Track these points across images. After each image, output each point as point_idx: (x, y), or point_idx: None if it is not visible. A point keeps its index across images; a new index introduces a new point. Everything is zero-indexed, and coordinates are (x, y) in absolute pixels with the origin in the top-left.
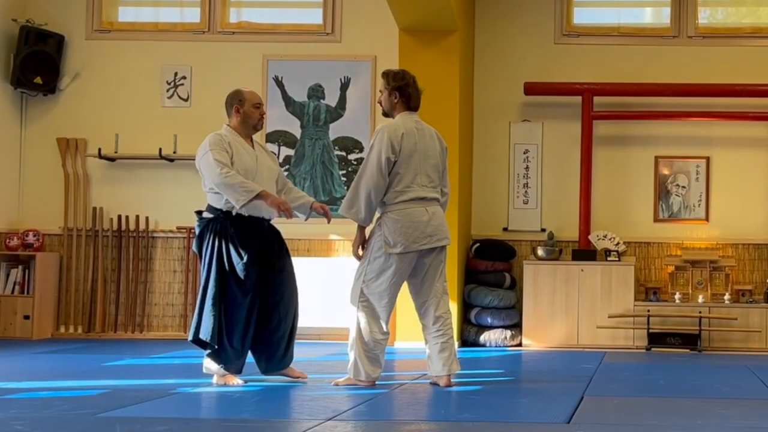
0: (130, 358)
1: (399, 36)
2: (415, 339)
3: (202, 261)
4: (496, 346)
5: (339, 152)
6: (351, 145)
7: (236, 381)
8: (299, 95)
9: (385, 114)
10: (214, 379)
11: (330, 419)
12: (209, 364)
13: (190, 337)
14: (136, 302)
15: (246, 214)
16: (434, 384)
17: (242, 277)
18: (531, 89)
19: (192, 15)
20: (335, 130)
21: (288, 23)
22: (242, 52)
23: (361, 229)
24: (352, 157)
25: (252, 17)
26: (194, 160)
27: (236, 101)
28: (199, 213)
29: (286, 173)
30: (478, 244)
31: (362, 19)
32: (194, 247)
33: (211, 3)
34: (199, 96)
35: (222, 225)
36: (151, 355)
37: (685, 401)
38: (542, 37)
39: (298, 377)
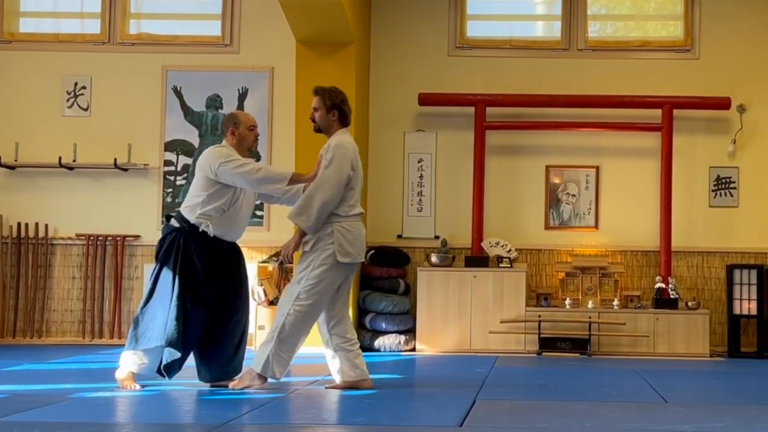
0: (29, 363)
1: (296, 47)
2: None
3: (155, 267)
4: (390, 351)
5: None
6: None
7: (135, 386)
8: (198, 105)
9: (319, 130)
10: (120, 375)
11: (226, 423)
12: (129, 362)
13: (161, 343)
14: (35, 308)
15: (211, 235)
16: (336, 388)
17: (197, 289)
18: (425, 100)
19: (92, 26)
20: None
21: (187, 35)
22: (142, 63)
23: (302, 235)
24: None
25: (151, 29)
26: (92, 169)
27: (232, 124)
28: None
29: (183, 182)
30: (373, 251)
31: (260, 31)
32: (156, 248)
33: (112, 14)
34: (99, 106)
35: (185, 238)
36: (49, 360)
37: (575, 404)
38: (436, 49)
39: (237, 385)
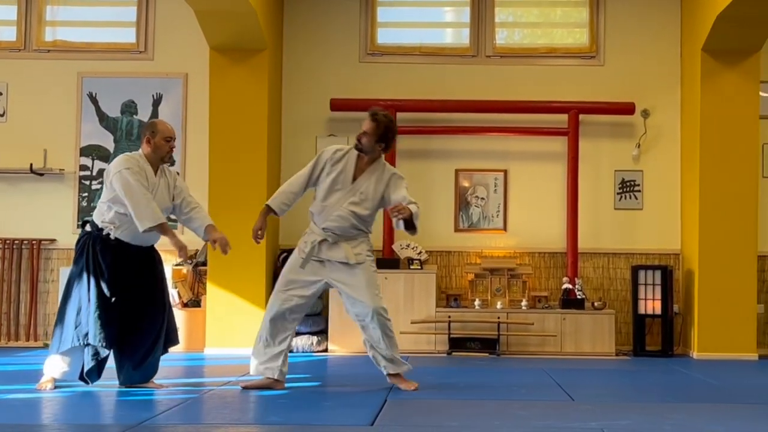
0: None
1: (210, 54)
2: (224, 345)
3: (71, 270)
4: (303, 352)
5: None
6: None
7: (50, 386)
8: (113, 111)
9: (360, 149)
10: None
11: (141, 423)
12: (51, 367)
13: (78, 343)
14: None
15: (113, 238)
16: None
17: (107, 293)
18: (337, 105)
19: (8, 33)
20: None
21: (102, 42)
22: (57, 70)
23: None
24: None
25: (67, 36)
26: (8, 174)
27: (149, 132)
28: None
29: (99, 186)
30: (285, 254)
31: (174, 38)
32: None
33: (27, 22)
34: (15, 112)
35: (94, 241)
36: None
37: (484, 403)
38: (348, 56)
39: (156, 387)
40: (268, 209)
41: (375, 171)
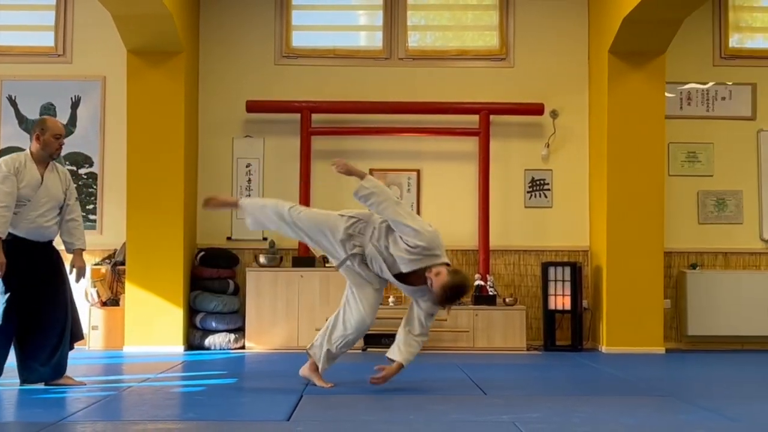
0: None
1: (127, 57)
2: (143, 343)
3: None
4: (220, 349)
5: (70, 167)
6: (81, 160)
7: None
8: (32, 113)
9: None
10: None
11: (59, 421)
12: None
13: None
14: None
15: (7, 235)
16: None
17: (5, 290)
18: (253, 107)
19: None
20: (66, 146)
21: (21, 45)
22: None
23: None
24: (82, 171)
25: None
26: None
27: (39, 129)
28: None
29: None
30: (203, 253)
31: (92, 41)
32: None
33: None
34: None
35: None
36: None
37: (399, 398)
38: (263, 58)
39: (76, 384)
40: None
41: None
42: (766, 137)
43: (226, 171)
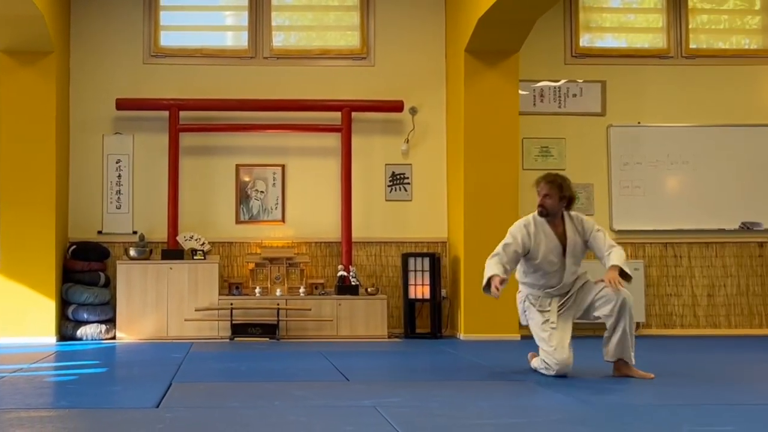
0: None
1: None
2: (16, 334)
3: None
4: (92, 340)
5: None
6: None
7: None
8: None
9: (545, 214)
10: None
11: None
12: None
13: None
14: None
15: None
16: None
17: None
18: (122, 105)
19: None
20: None
21: None
22: None
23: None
24: None
25: None
26: None
27: None
28: None
29: None
30: (74, 246)
31: None
32: None
33: None
34: None
35: None
36: None
37: (265, 385)
38: (132, 58)
39: None
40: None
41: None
42: (616, 132)
43: (96, 167)
